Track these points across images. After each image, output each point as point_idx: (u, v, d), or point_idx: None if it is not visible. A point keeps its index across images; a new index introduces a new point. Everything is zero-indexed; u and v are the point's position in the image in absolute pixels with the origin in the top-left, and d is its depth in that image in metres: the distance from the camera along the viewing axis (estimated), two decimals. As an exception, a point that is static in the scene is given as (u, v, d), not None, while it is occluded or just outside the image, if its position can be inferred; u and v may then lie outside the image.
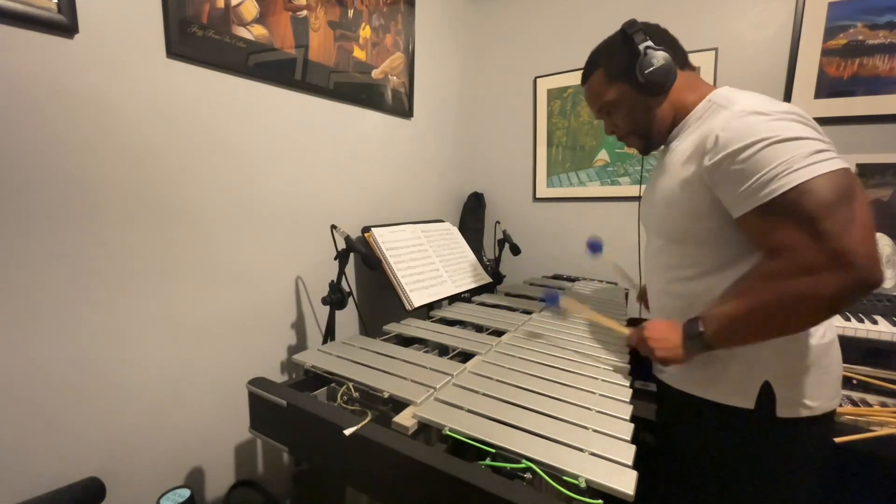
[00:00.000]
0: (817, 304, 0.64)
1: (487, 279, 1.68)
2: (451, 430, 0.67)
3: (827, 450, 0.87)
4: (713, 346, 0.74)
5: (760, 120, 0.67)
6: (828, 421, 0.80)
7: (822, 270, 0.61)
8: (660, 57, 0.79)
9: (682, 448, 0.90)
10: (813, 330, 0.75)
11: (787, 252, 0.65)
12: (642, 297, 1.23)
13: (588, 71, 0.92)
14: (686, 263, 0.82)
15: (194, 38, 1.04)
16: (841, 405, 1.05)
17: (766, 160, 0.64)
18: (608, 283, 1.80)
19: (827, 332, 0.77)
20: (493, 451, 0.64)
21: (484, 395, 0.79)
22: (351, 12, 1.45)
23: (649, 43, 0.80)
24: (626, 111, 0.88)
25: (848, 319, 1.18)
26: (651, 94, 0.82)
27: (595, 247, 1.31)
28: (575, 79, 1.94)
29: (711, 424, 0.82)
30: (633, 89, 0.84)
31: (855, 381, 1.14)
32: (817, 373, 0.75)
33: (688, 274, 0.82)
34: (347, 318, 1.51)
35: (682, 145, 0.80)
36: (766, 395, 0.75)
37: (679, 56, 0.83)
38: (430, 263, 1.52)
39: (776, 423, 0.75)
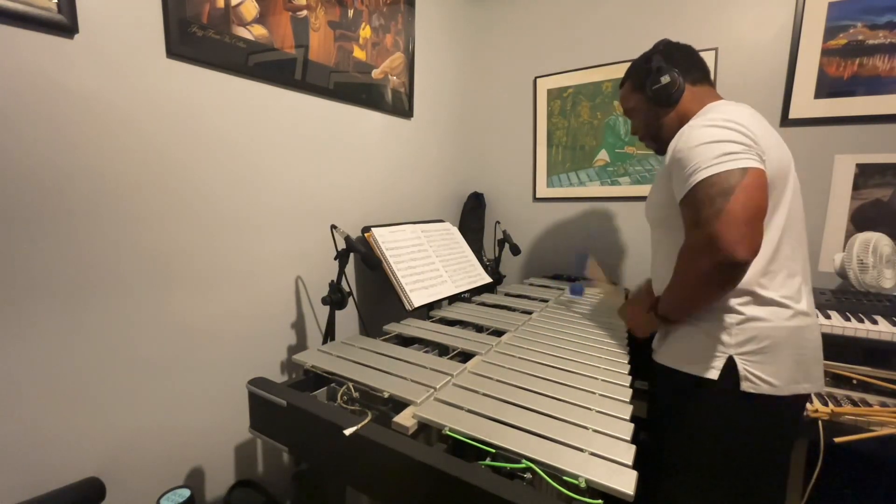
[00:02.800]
0: (700, 278, 0.79)
1: (487, 279, 1.68)
2: (451, 430, 0.67)
3: (792, 433, 0.93)
4: (665, 317, 0.93)
5: (698, 127, 0.83)
6: (794, 404, 0.87)
7: (701, 251, 0.77)
8: (666, 77, 0.95)
9: (663, 419, 0.97)
10: (779, 312, 0.83)
11: (686, 235, 0.82)
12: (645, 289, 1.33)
13: (624, 78, 1.10)
14: (666, 245, 0.95)
15: (194, 38, 1.03)
16: (840, 405, 1.05)
17: (688, 160, 0.80)
18: (609, 283, 1.80)
19: (795, 317, 0.84)
20: (493, 451, 0.64)
21: (484, 395, 0.79)
22: (351, 12, 1.45)
23: (662, 63, 0.96)
24: (642, 117, 1.06)
25: (848, 319, 1.18)
26: (659, 105, 0.99)
27: (576, 290, 1.52)
28: (574, 79, 1.94)
29: (685, 393, 0.90)
30: (646, 100, 1.01)
31: (855, 381, 1.14)
32: (782, 353, 0.83)
33: (669, 254, 0.92)
34: (347, 318, 1.51)
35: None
36: (730, 369, 0.83)
37: (692, 74, 0.97)
38: (430, 263, 1.52)
39: (740, 398, 0.83)
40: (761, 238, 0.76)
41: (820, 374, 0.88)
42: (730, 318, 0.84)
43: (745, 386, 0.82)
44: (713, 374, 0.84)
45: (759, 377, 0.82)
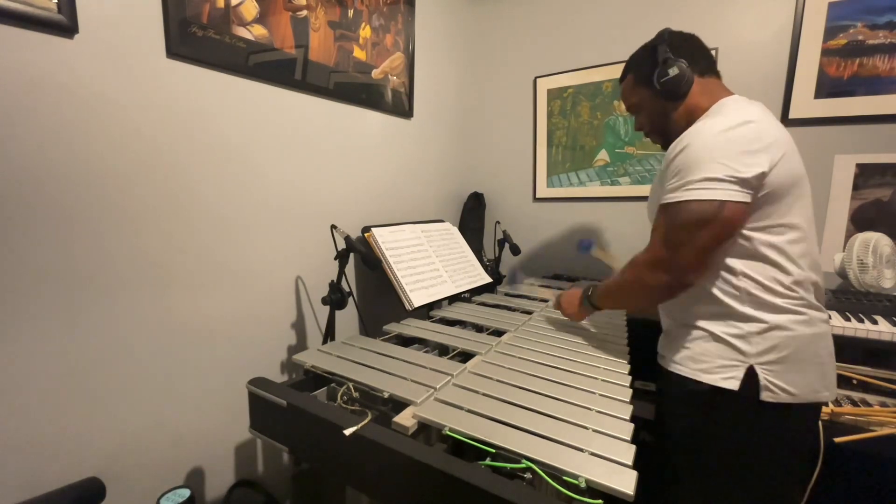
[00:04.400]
0: (651, 288, 0.87)
1: (487, 279, 1.68)
2: (451, 430, 0.67)
3: (808, 442, 0.92)
4: (597, 306, 1.04)
5: (700, 134, 0.81)
6: (812, 412, 0.86)
7: (659, 266, 0.84)
8: (674, 68, 0.90)
9: (674, 427, 0.94)
10: (800, 320, 0.81)
11: (650, 243, 0.87)
12: None
13: (623, 73, 1.05)
14: None
15: (194, 38, 1.03)
16: (840, 405, 1.05)
17: (677, 172, 0.82)
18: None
19: (814, 324, 0.82)
20: (493, 451, 0.64)
21: (484, 395, 0.79)
22: (351, 12, 1.45)
23: (668, 54, 0.91)
24: (648, 113, 1.01)
25: (848, 319, 1.18)
26: (667, 99, 0.93)
27: (585, 246, 1.52)
28: (575, 79, 1.94)
29: (701, 404, 0.86)
30: (652, 94, 0.95)
31: (855, 381, 1.14)
32: (801, 361, 0.81)
33: None
34: (347, 318, 1.51)
35: None
36: (750, 379, 0.81)
37: (700, 65, 0.92)
38: (430, 263, 1.51)
39: (759, 407, 0.81)
40: (710, 264, 0.83)
41: (834, 382, 0.86)
42: (750, 327, 0.81)
43: (765, 395, 0.80)
44: (733, 385, 0.81)
45: (780, 386, 0.80)
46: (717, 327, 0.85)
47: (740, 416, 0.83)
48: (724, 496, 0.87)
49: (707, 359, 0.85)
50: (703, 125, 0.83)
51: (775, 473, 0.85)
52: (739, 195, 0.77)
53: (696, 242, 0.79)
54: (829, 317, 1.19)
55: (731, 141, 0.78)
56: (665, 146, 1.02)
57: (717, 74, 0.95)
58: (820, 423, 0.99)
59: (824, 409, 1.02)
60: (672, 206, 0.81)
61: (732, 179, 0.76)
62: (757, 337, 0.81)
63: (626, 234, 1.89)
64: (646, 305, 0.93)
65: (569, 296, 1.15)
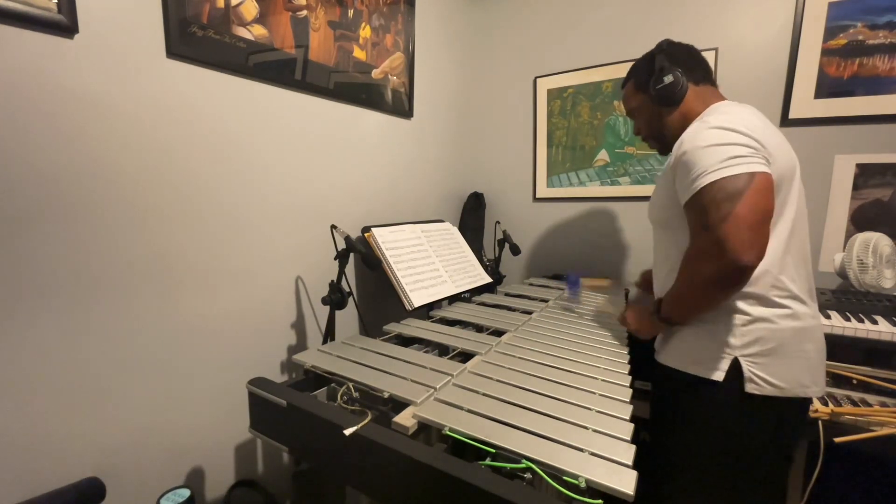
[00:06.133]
0: (706, 282, 0.79)
1: (487, 279, 1.68)
2: (451, 430, 0.67)
3: (795, 435, 0.94)
4: (669, 320, 0.91)
5: (704, 129, 0.83)
6: (799, 406, 0.87)
7: (708, 254, 0.77)
8: (669, 76, 0.95)
9: (666, 420, 0.98)
10: (785, 314, 0.83)
11: (693, 238, 0.82)
12: (641, 284, 1.40)
13: (626, 78, 1.10)
14: (668, 245, 0.95)
15: (194, 38, 1.03)
16: (840, 405, 1.05)
17: (694, 163, 0.80)
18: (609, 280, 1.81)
19: (799, 318, 0.84)
20: (493, 451, 0.64)
21: (484, 395, 0.79)
22: (351, 12, 1.45)
23: (665, 63, 0.96)
24: (646, 117, 1.06)
25: (848, 319, 1.18)
26: (663, 105, 0.98)
27: (573, 281, 1.55)
28: (575, 79, 1.94)
29: (689, 394, 0.89)
30: (650, 100, 1.01)
31: (855, 381, 1.14)
32: (787, 355, 0.83)
33: (670, 254, 0.93)
34: (347, 318, 1.51)
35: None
36: (735, 370, 0.83)
37: (696, 73, 0.97)
38: (430, 263, 1.51)
39: (745, 399, 0.83)
40: (767, 242, 0.76)
41: (823, 378, 0.88)
42: (735, 320, 0.84)
43: (750, 387, 0.82)
44: (718, 376, 0.84)
45: (764, 379, 0.82)
46: (705, 321, 0.87)
47: (727, 407, 0.85)
48: (713, 487, 0.89)
49: (696, 351, 0.88)
50: (700, 124, 0.86)
51: (762, 466, 0.86)
52: (764, 166, 0.77)
53: (737, 214, 0.73)
54: (820, 314, 1.20)
55: (739, 126, 0.81)
56: (661, 150, 1.08)
57: (712, 83, 0.99)
58: (820, 422, 1.00)
59: (823, 409, 1.02)
60: (698, 193, 0.78)
61: (751, 153, 0.77)
62: (741, 329, 0.83)
63: (626, 235, 1.89)
64: (712, 303, 0.83)
65: (633, 311, 1.06)
